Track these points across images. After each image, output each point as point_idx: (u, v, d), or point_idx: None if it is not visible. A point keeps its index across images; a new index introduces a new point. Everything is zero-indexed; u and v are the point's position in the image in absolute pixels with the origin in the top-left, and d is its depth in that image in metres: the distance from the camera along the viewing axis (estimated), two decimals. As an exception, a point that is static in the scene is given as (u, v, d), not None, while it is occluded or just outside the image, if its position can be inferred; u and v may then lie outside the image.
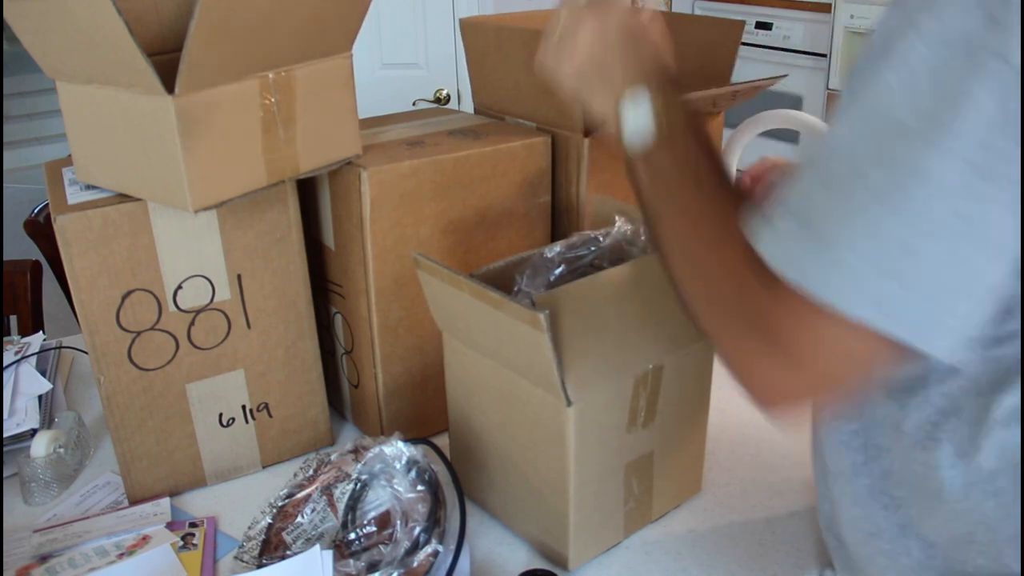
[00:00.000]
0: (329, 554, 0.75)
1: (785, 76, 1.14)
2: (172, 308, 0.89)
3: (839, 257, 0.48)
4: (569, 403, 0.75)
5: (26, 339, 1.22)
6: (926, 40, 0.46)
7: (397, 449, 0.82)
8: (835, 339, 0.50)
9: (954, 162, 0.46)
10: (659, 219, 0.64)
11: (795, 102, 2.75)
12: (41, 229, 1.71)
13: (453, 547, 0.78)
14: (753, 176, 0.92)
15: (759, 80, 1.03)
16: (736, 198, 0.60)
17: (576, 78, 0.71)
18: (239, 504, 0.95)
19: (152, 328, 0.89)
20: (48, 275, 1.59)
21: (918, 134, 0.46)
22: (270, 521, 0.84)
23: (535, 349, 0.73)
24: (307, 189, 0.99)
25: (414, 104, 2.56)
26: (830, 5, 2.59)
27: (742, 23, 1.09)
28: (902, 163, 0.47)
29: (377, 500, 0.82)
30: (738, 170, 0.95)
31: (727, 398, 1.12)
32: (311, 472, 0.88)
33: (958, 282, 0.48)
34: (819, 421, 0.69)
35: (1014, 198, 0.46)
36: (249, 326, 0.94)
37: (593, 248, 0.88)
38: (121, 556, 0.84)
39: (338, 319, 1.04)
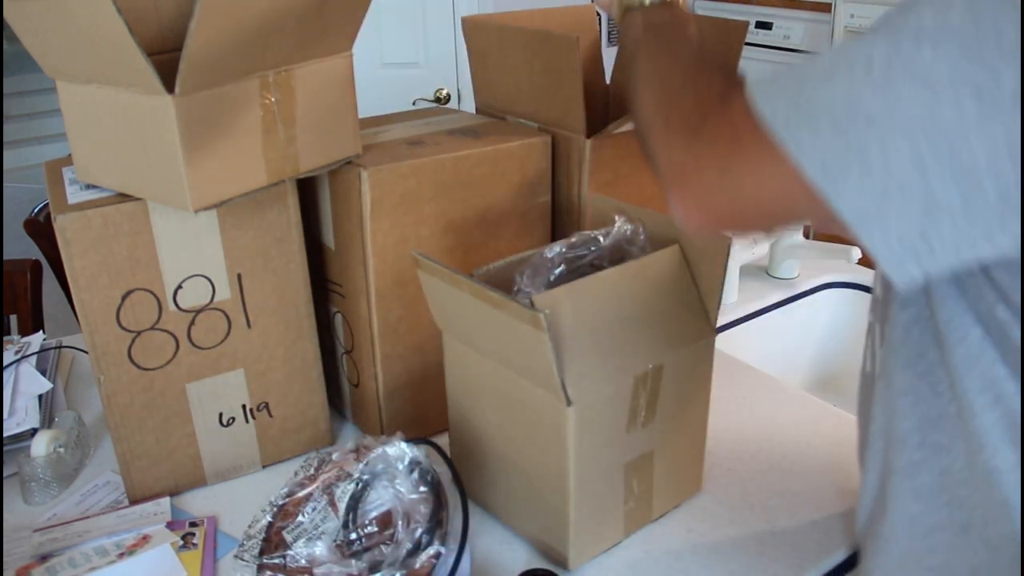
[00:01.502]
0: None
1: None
2: (172, 308, 0.89)
3: (809, 104, 0.50)
4: (569, 403, 0.75)
5: (26, 339, 1.22)
6: None
7: (400, 450, 0.82)
8: (773, 173, 0.51)
9: (949, 64, 0.45)
10: (643, 51, 0.70)
11: (795, 102, 2.75)
12: (41, 228, 1.71)
13: (455, 548, 0.78)
14: None
15: (759, 80, 1.03)
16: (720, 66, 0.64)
17: None
18: (239, 503, 0.95)
19: (152, 328, 0.89)
20: (48, 275, 1.59)
21: (933, 33, 0.46)
22: (270, 520, 0.83)
23: (535, 349, 0.73)
24: (307, 189, 0.99)
25: (414, 103, 2.56)
26: (830, 5, 2.59)
27: (745, 24, 1.09)
28: (902, 49, 0.47)
29: (379, 500, 0.82)
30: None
31: (727, 398, 1.12)
32: (312, 471, 0.88)
33: (909, 183, 0.47)
34: (871, 419, 0.69)
35: (1007, 133, 0.45)
36: (249, 326, 0.94)
37: (593, 248, 0.88)
38: (121, 556, 0.84)
39: (338, 319, 1.04)
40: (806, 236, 1.45)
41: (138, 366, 0.90)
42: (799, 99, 0.50)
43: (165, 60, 0.75)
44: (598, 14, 0.94)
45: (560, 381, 0.74)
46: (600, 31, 1.62)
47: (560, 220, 1.08)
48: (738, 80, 0.57)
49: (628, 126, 1.00)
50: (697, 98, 0.59)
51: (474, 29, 1.12)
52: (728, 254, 0.82)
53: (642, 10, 0.76)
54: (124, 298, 0.87)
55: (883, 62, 0.47)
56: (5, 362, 1.13)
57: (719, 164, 0.54)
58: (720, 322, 0.89)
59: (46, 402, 1.11)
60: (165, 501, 0.94)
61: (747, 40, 1.08)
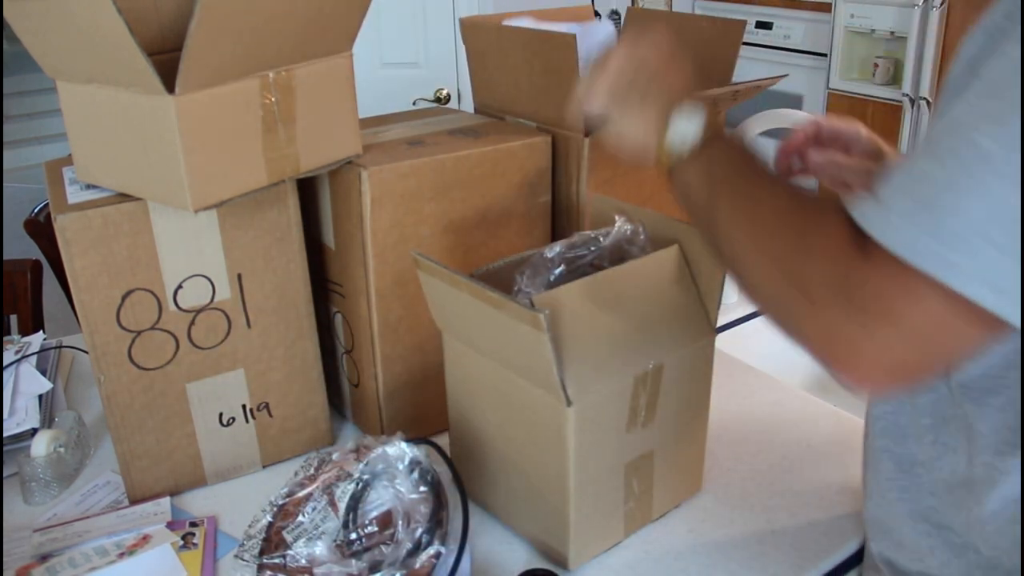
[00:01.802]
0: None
1: (786, 76, 1.14)
2: (172, 308, 0.89)
3: (954, 232, 0.46)
4: (569, 403, 0.75)
5: (26, 339, 1.22)
6: None
7: (400, 450, 0.82)
8: (944, 313, 0.47)
9: None
10: (720, 213, 0.61)
11: (795, 102, 2.75)
12: (41, 228, 1.71)
13: (455, 548, 0.78)
14: (785, 150, 0.88)
15: (760, 80, 1.03)
16: (798, 187, 0.59)
17: (610, 99, 0.70)
18: (239, 503, 0.95)
19: (152, 328, 0.89)
20: (48, 275, 1.59)
21: None
22: (270, 520, 0.83)
23: (535, 349, 0.73)
24: (307, 189, 0.99)
25: (414, 103, 2.56)
26: (830, 5, 2.59)
27: (743, 23, 1.09)
28: (1017, 128, 0.44)
29: (379, 500, 0.82)
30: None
31: (727, 398, 1.12)
32: (312, 471, 0.87)
33: None
34: (889, 414, 0.70)
35: None
36: (249, 325, 0.94)
37: (593, 248, 0.88)
38: (121, 555, 0.84)
39: (338, 318, 1.04)
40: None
41: (138, 366, 0.90)
42: (936, 227, 0.46)
43: (165, 60, 0.75)
44: (597, 14, 0.94)
45: (560, 382, 0.74)
46: (600, 31, 1.62)
47: (560, 220, 1.08)
48: (841, 208, 0.53)
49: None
50: (824, 255, 0.52)
51: (472, 29, 1.12)
52: None
53: (695, 160, 0.64)
54: (124, 298, 0.86)
55: (1001, 148, 0.45)
56: (5, 362, 1.13)
57: (888, 324, 0.49)
58: (720, 322, 0.89)
59: (46, 402, 1.11)
60: (165, 501, 0.94)
61: (747, 40, 1.08)
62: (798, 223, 0.55)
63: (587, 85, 0.71)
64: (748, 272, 0.58)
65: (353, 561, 0.77)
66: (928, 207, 0.47)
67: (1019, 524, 0.60)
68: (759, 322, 1.38)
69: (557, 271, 0.86)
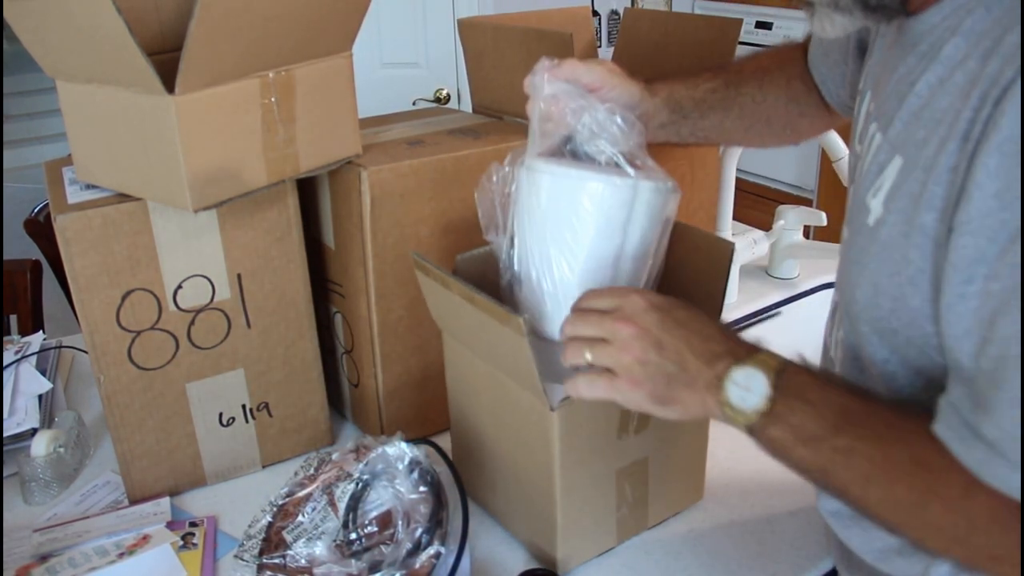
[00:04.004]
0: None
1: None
2: (172, 308, 0.89)
3: None
4: (553, 408, 0.74)
5: (26, 339, 1.22)
6: None
7: (400, 450, 0.82)
8: None
9: None
10: (848, 493, 0.58)
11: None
12: (41, 228, 1.71)
13: (455, 548, 0.78)
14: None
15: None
16: (905, 411, 0.56)
17: (646, 397, 0.62)
18: (239, 503, 0.95)
19: (152, 328, 0.89)
20: (48, 275, 1.59)
21: None
22: (270, 520, 0.83)
23: (517, 353, 0.72)
24: (307, 188, 0.99)
25: (414, 103, 2.56)
26: (830, 4, 2.59)
27: (739, 21, 1.09)
28: None
29: (379, 500, 0.82)
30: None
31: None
32: (312, 471, 0.88)
33: None
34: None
35: None
36: (249, 325, 0.95)
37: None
38: (121, 555, 0.84)
39: (338, 318, 1.05)
40: (806, 236, 1.45)
41: (138, 366, 0.90)
42: None
43: (165, 60, 0.75)
44: (596, 14, 0.93)
45: (542, 386, 0.73)
46: (597, 31, 1.62)
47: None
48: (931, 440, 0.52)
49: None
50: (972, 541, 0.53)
51: (470, 30, 1.12)
52: (731, 259, 0.82)
53: (775, 424, 0.60)
54: (124, 298, 0.87)
55: None
56: (5, 362, 1.13)
57: None
58: (720, 322, 0.89)
59: (46, 402, 1.11)
60: (165, 501, 0.94)
61: (748, 40, 1.08)
62: (930, 487, 0.53)
63: (606, 386, 0.63)
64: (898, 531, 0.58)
65: (353, 561, 0.77)
66: None
67: None
68: (757, 321, 1.38)
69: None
